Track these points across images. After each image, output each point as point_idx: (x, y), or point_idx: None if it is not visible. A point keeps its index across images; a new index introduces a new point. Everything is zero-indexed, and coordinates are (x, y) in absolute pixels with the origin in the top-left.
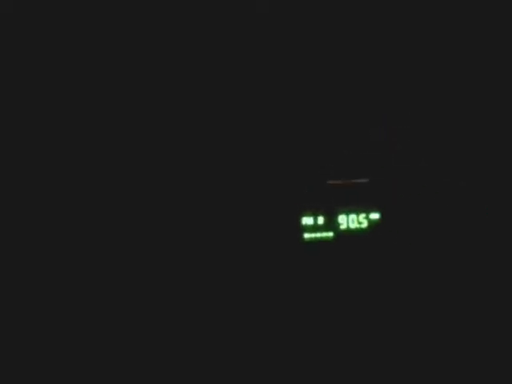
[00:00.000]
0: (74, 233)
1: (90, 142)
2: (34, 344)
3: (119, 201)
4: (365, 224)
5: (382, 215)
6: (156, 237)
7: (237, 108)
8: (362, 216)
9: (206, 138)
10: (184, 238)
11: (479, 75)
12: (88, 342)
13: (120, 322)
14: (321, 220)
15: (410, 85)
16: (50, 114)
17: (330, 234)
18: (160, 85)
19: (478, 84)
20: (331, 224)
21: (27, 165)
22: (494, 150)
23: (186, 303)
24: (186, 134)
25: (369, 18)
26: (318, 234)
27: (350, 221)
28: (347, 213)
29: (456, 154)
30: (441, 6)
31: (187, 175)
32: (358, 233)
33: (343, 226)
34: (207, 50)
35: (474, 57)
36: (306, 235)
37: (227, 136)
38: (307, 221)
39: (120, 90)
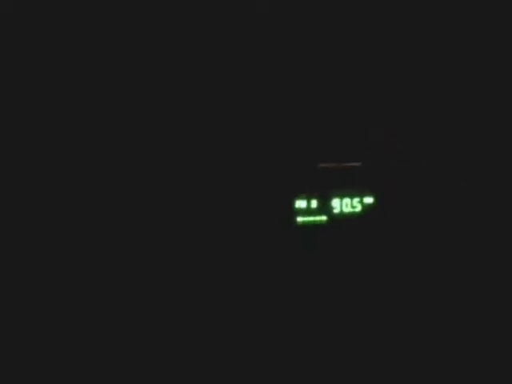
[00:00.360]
0: (74, 232)
1: (90, 141)
2: (33, 344)
3: (115, 198)
4: (359, 208)
5: (377, 199)
6: (147, 219)
7: (230, 95)
8: (356, 200)
9: (199, 122)
10: (177, 223)
11: (480, 75)
12: (88, 342)
13: (118, 321)
14: (314, 203)
15: (403, 75)
16: (50, 114)
17: (324, 217)
18: (159, 84)
19: (479, 80)
20: (325, 208)
21: (27, 165)
22: (491, 136)
23: (182, 287)
24: (177, 122)
25: (369, 18)
26: (312, 218)
27: (343, 205)
28: (341, 196)
29: (453, 140)
30: (441, 6)
31: (179, 160)
32: (351, 217)
33: (337, 210)
34: (207, 49)
35: (473, 57)
36: (299, 219)
37: (220, 121)
38: (300, 204)
39: (120, 89)
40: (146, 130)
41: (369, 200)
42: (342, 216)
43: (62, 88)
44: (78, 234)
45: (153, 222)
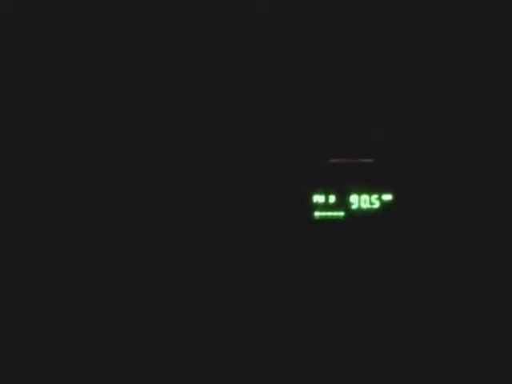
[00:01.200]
0: (74, 232)
1: (90, 142)
2: (33, 343)
3: (118, 197)
4: (377, 205)
5: (395, 196)
6: (169, 214)
7: (245, 95)
8: (375, 197)
9: (217, 121)
10: (196, 219)
11: (482, 73)
12: (88, 341)
13: (121, 319)
14: (332, 199)
15: (417, 73)
16: (50, 114)
17: (341, 213)
18: (160, 84)
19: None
20: (343, 203)
21: (27, 165)
22: (505, 130)
23: (198, 284)
24: (192, 120)
25: (370, 17)
26: (329, 213)
27: (361, 201)
28: (359, 193)
29: (470, 138)
30: (441, 6)
31: (199, 158)
32: (369, 213)
33: (355, 206)
34: (207, 49)
35: (474, 57)
36: (317, 213)
37: (238, 118)
38: (318, 199)
39: (120, 89)
40: (164, 130)
41: (387, 197)
42: (360, 212)
43: (62, 88)
44: (79, 233)
45: (163, 221)
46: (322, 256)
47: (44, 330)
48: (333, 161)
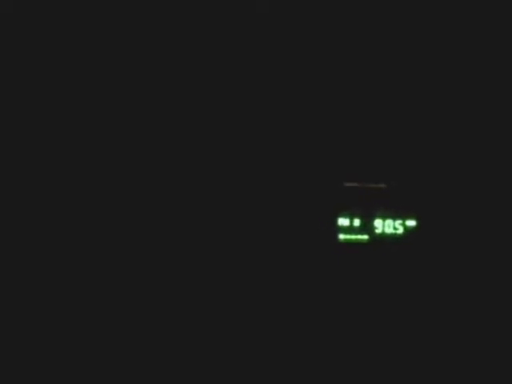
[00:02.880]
0: (74, 233)
1: (90, 142)
2: (33, 344)
3: (126, 196)
4: (400, 230)
5: (419, 223)
6: (183, 242)
7: (260, 109)
8: (398, 222)
9: (233, 141)
10: (218, 240)
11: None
12: (88, 342)
13: (125, 323)
14: (357, 222)
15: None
16: (50, 114)
17: (365, 236)
18: (160, 85)
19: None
20: (367, 227)
21: (27, 165)
22: None
23: (212, 306)
24: (210, 137)
25: (372, 15)
26: (353, 236)
27: (385, 225)
28: (383, 217)
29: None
30: (442, 6)
31: (218, 179)
32: (392, 238)
33: (379, 230)
34: (207, 49)
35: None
36: (342, 236)
37: (258, 136)
38: (343, 222)
39: (120, 89)
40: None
41: (411, 223)
42: (384, 237)
43: (62, 88)
44: (78, 234)
45: (186, 233)
46: (345, 278)
47: (44, 330)
48: (351, 184)
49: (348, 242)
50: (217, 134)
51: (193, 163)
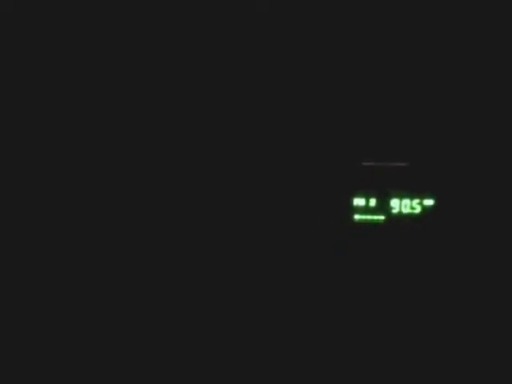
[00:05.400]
0: (74, 233)
1: (90, 142)
2: (34, 344)
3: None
4: (418, 209)
5: (437, 202)
6: (197, 226)
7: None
8: (416, 201)
9: (254, 120)
10: (237, 216)
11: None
12: (88, 342)
13: (126, 322)
14: (373, 202)
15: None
16: (50, 114)
17: (381, 217)
18: (161, 85)
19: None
20: (383, 207)
21: (27, 165)
22: None
23: (231, 283)
24: (227, 122)
25: (374, 13)
26: (369, 217)
27: (402, 205)
28: (400, 197)
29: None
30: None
31: (234, 158)
32: (410, 218)
33: (395, 210)
34: (208, 50)
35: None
36: (357, 216)
37: (278, 117)
38: (359, 202)
39: (120, 89)
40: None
41: (429, 202)
42: (400, 216)
43: (62, 88)
44: (78, 235)
45: (205, 224)
46: (360, 259)
47: (44, 329)
48: (368, 163)
49: (363, 223)
50: (229, 117)
51: (205, 148)
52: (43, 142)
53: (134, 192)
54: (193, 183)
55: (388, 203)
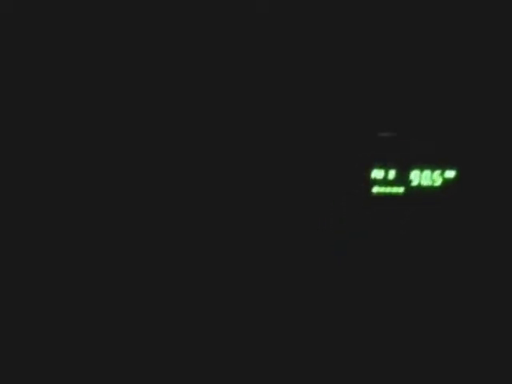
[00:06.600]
0: (74, 233)
1: (90, 142)
2: (34, 344)
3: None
4: (439, 182)
5: (459, 173)
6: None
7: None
8: (437, 173)
9: (266, 105)
10: (253, 194)
11: None
12: (88, 342)
13: (127, 322)
14: (392, 174)
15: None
16: (50, 114)
17: (401, 189)
18: (161, 85)
19: None
20: (403, 179)
21: (27, 165)
22: None
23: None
24: (232, 115)
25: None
26: (388, 189)
27: (423, 177)
28: (421, 168)
29: None
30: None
31: (244, 142)
32: (430, 190)
33: (415, 182)
34: (208, 49)
35: None
36: (375, 189)
37: (296, 94)
38: (377, 174)
39: (120, 90)
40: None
41: (450, 174)
42: (420, 189)
43: (62, 88)
44: (78, 235)
45: (207, 213)
46: (379, 232)
47: (44, 329)
48: (385, 134)
49: (382, 195)
50: (235, 109)
51: (212, 143)
52: (43, 142)
53: (134, 191)
54: (202, 175)
55: (408, 175)
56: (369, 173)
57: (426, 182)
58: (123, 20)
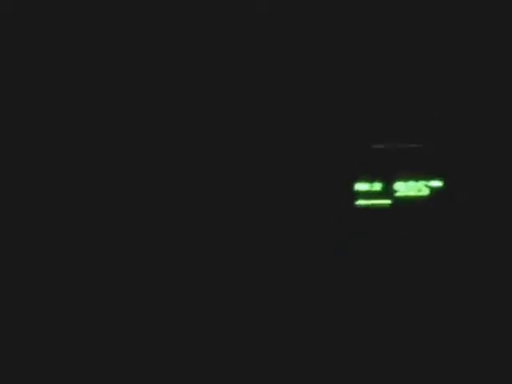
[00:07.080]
0: (74, 233)
1: (90, 142)
2: (34, 344)
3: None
4: (425, 192)
5: (446, 183)
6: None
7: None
8: (423, 183)
9: (259, 111)
10: (243, 206)
11: None
12: (88, 342)
13: (127, 320)
14: (377, 186)
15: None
16: (50, 114)
17: (387, 201)
18: (161, 85)
19: None
20: (388, 190)
21: (27, 165)
22: None
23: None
24: (234, 116)
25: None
26: (374, 201)
27: (408, 188)
28: (406, 179)
29: None
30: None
31: (235, 141)
32: (416, 201)
33: (401, 194)
34: (208, 49)
35: None
36: (360, 202)
37: (280, 107)
38: (361, 187)
39: (120, 90)
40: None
41: (437, 184)
42: (407, 200)
43: (62, 88)
44: (78, 234)
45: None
46: (365, 246)
47: (44, 329)
48: (376, 146)
49: (368, 208)
50: (232, 108)
51: (212, 143)
52: (43, 142)
53: (134, 190)
54: (199, 176)
55: (393, 186)
56: (352, 186)
57: (412, 193)
58: (123, 20)
